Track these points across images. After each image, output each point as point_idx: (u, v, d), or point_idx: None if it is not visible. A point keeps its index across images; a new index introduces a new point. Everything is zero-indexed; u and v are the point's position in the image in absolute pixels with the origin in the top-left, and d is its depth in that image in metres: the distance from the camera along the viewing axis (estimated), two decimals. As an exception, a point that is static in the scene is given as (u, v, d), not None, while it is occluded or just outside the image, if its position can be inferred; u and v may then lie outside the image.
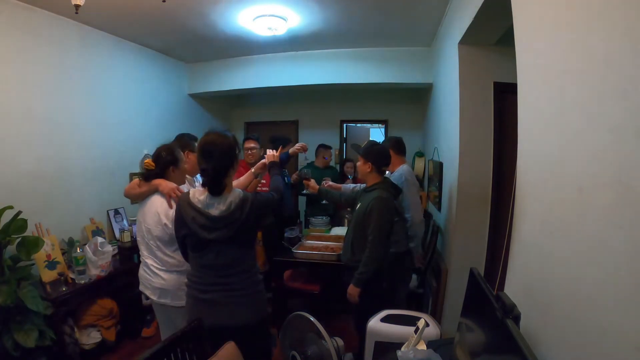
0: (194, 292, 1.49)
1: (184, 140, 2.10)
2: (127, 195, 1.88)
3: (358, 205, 2.11)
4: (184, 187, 1.91)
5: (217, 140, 1.39)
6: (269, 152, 1.98)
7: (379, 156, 2.09)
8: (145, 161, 1.82)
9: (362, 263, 1.97)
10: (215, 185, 1.39)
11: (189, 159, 2.03)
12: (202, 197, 1.42)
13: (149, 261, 1.78)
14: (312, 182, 2.48)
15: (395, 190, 2.13)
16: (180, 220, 1.47)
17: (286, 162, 2.57)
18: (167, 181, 1.76)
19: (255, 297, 1.51)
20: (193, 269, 1.52)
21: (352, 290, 1.99)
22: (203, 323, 1.40)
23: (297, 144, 2.57)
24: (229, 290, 1.46)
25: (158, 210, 1.71)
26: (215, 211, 1.40)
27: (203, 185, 1.44)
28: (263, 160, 2.01)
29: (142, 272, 1.83)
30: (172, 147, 1.86)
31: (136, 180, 1.86)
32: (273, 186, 1.72)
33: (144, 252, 1.80)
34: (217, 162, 1.37)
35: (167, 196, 1.71)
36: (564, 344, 0.89)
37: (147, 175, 1.80)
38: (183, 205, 1.45)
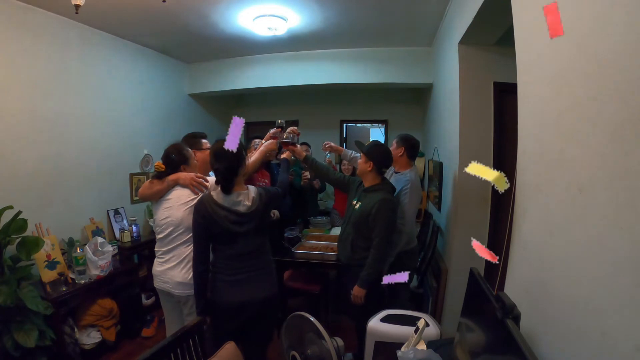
0: (222, 277, 1.66)
1: (187, 141, 2.12)
2: (142, 196, 1.90)
3: (358, 205, 2.09)
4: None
5: (224, 144, 1.53)
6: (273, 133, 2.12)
7: (381, 157, 2.06)
8: (156, 163, 1.87)
9: (368, 264, 1.96)
10: (227, 183, 1.58)
11: (196, 157, 2.05)
12: (227, 198, 1.60)
13: (171, 255, 1.81)
14: (298, 148, 2.27)
15: (393, 190, 2.12)
16: (207, 218, 1.58)
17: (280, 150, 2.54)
18: (183, 173, 1.83)
19: (273, 274, 1.79)
20: (219, 258, 1.67)
21: (358, 292, 1.98)
22: (231, 301, 1.64)
23: (288, 128, 2.52)
24: (255, 269, 1.69)
25: (186, 201, 1.77)
26: (242, 208, 1.61)
27: (217, 183, 1.61)
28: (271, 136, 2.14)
29: (160, 268, 1.84)
30: (180, 147, 1.90)
31: (148, 181, 1.90)
32: (280, 181, 1.92)
33: (165, 247, 1.82)
34: (228, 163, 1.56)
35: (190, 186, 1.79)
36: (564, 344, 0.89)
37: (159, 175, 1.85)
38: (210, 206, 1.58)
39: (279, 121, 2.21)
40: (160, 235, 1.84)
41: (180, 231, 1.78)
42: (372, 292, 2.00)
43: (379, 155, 2.06)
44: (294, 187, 3.32)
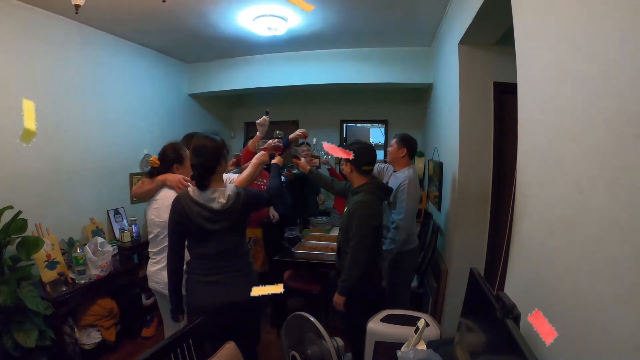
0: (196, 277, 1.64)
1: (188, 141, 2.10)
2: (135, 194, 1.92)
3: (345, 208, 2.05)
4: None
5: (206, 142, 1.58)
6: (271, 142, 2.09)
7: (355, 155, 1.93)
8: (151, 158, 1.86)
9: (344, 270, 1.91)
10: (202, 179, 1.56)
11: None
12: (202, 194, 1.57)
13: (161, 256, 1.81)
14: (303, 161, 2.33)
15: (383, 192, 2.02)
16: (182, 215, 1.56)
17: (286, 148, 2.56)
18: (172, 174, 1.81)
19: (251, 276, 1.74)
20: (194, 257, 1.65)
21: (337, 299, 1.93)
22: (205, 303, 1.60)
23: (297, 130, 2.56)
24: (230, 271, 1.64)
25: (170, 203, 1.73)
26: (216, 205, 1.57)
27: (192, 179, 1.58)
28: (267, 146, 2.09)
29: (152, 269, 1.84)
30: (178, 146, 1.90)
31: (141, 180, 1.91)
32: (269, 187, 1.85)
33: (156, 248, 1.83)
34: (205, 160, 1.54)
35: (176, 188, 1.77)
36: (564, 344, 0.89)
37: (151, 172, 1.84)
38: (186, 202, 1.56)
39: (277, 132, 2.21)
40: (151, 236, 1.84)
41: (166, 232, 1.76)
42: (354, 299, 1.94)
43: (353, 154, 1.96)
44: (296, 178, 3.30)
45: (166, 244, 1.78)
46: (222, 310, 1.62)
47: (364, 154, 1.98)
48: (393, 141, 2.50)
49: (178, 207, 1.57)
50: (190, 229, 1.57)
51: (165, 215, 1.75)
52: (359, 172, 1.99)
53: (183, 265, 1.64)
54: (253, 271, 1.78)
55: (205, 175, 1.55)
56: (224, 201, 1.59)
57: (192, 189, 1.60)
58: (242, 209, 1.64)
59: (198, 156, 1.55)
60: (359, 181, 2.00)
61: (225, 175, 2.16)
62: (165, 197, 1.78)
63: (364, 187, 1.97)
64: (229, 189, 1.63)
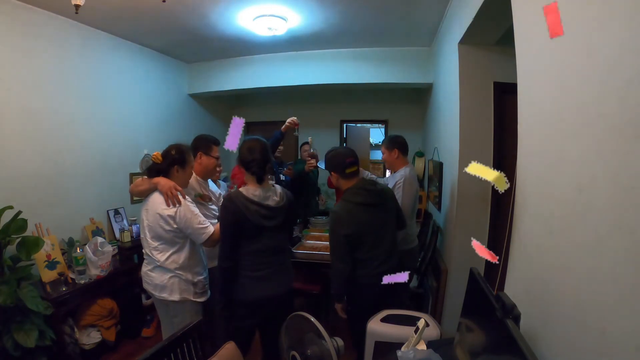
0: (247, 272, 1.71)
1: (198, 142, 2.08)
2: (132, 192, 1.92)
3: None
4: (193, 187, 1.97)
5: (255, 144, 1.71)
6: None
7: (334, 163, 1.94)
8: (154, 154, 1.82)
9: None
10: (262, 173, 1.67)
11: (201, 160, 2.03)
12: (257, 192, 1.67)
13: (150, 259, 1.81)
14: None
15: (366, 197, 1.87)
16: (237, 214, 1.62)
17: (280, 139, 2.52)
18: (166, 179, 1.77)
19: (291, 270, 1.88)
20: (243, 254, 1.70)
21: (336, 306, 1.99)
22: (254, 297, 1.70)
23: (288, 119, 2.51)
24: (275, 265, 1.75)
25: (157, 209, 1.72)
26: (272, 202, 1.70)
27: (252, 174, 1.68)
28: None
29: (145, 269, 1.85)
30: (184, 148, 1.86)
31: (140, 178, 1.89)
32: None
33: (146, 249, 1.82)
34: (259, 156, 1.67)
35: (165, 195, 1.72)
36: (564, 344, 0.89)
37: (150, 169, 1.82)
38: (240, 201, 1.63)
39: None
40: (142, 237, 1.84)
41: (151, 235, 1.76)
42: (350, 304, 1.98)
43: (331, 162, 1.96)
44: (296, 177, 3.30)
45: (151, 247, 1.78)
46: (268, 302, 1.72)
47: (342, 157, 1.92)
48: (382, 148, 2.50)
49: (232, 208, 1.62)
50: (245, 227, 1.64)
51: (150, 219, 1.75)
52: (345, 178, 1.94)
53: (234, 266, 1.69)
54: (292, 265, 1.89)
55: (263, 168, 1.67)
56: (278, 199, 1.72)
57: (244, 189, 1.67)
58: (289, 206, 1.77)
59: (253, 154, 1.67)
60: (345, 186, 1.95)
61: (213, 186, 2.20)
62: (154, 202, 1.75)
63: (344, 193, 1.92)
64: (278, 188, 1.76)
